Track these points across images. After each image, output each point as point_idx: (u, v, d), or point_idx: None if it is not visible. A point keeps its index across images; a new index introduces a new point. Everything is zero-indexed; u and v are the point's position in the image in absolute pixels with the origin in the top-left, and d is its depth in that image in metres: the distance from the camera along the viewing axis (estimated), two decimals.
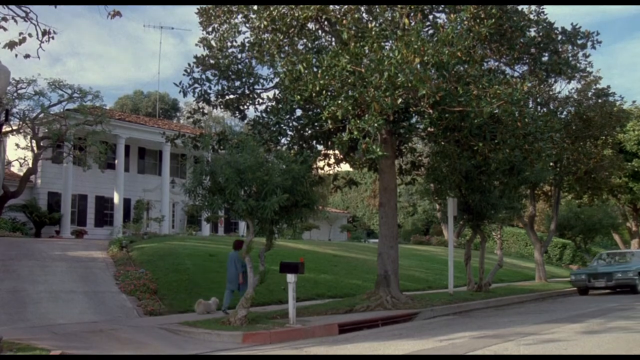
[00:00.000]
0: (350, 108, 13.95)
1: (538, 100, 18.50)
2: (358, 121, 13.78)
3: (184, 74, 17.67)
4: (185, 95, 17.84)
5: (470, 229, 23.53)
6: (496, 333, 11.36)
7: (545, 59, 17.96)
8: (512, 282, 27.96)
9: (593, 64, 39.57)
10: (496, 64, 18.09)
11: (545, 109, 20.86)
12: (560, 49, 18.24)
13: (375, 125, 13.54)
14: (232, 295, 15.86)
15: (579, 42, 18.12)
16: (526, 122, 15.06)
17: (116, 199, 35.36)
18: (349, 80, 14.14)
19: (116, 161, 35.60)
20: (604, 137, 29.48)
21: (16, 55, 16.44)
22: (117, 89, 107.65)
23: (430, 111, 15.05)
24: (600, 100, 27.15)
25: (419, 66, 13.38)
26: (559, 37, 17.82)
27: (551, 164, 23.88)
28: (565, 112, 26.31)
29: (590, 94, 27.41)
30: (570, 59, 18.76)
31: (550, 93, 23.16)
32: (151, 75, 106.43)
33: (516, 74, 18.07)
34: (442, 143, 18.70)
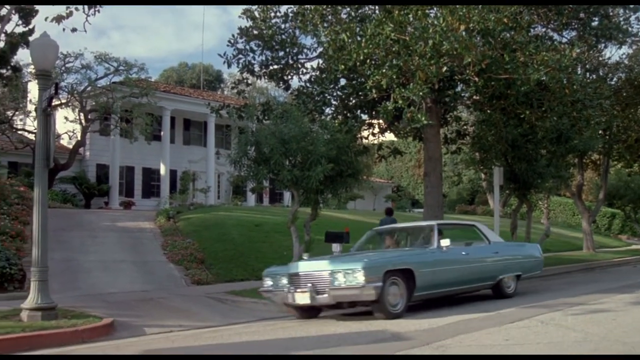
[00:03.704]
0: (394, 77, 13.82)
1: (587, 66, 18.11)
2: (403, 90, 13.66)
3: (227, 45, 17.71)
4: (229, 66, 18.00)
5: (517, 199, 23.23)
6: (543, 303, 11.26)
7: (595, 23, 17.49)
8: (559, 252, 27.60)
9: None
10: (544, 29, 17.69)
11: (594, 76, 20.43)
12: (611, 13, 17.75)
13: (420, 93, 13.42)
14: None
15: (632, 5, 17.58)
16: (574, 89, 14.74)
17: (162, 170, 35.81)
18: (394, 49, 14.00)
19: (162, 133, 35.98)
20: None
21: (64, 30, 16.72)
22: (161, 61, 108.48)
23: (476, 79, 14.83)
24: None
25: (464, 33, 13.17)
26: None
27: (600, 131, 23.32)
28: (615, 79, 25.63)
29: None
30: (622, 23, 18.23)
31: (600, 59, 22.60)
32: (195, 46, 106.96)
33: (564, 40, 17.67)
34: (488, 111, 18.45)
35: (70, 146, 32.06)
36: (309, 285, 9.93)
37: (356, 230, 16.52)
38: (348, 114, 18.44)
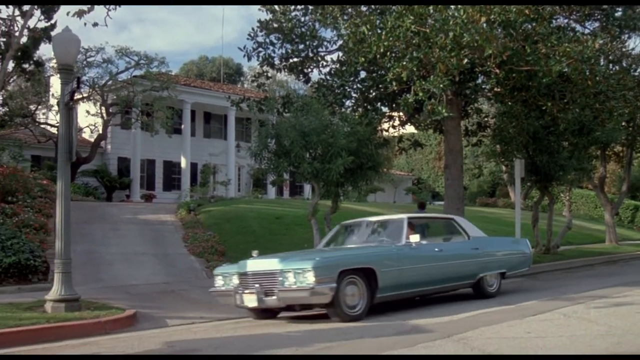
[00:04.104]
0: (415, 69, 13.78)
1: (610, 57, 17.86)
2: (423, 82, 13.62)
3: (247, 38, 17.74)
4: (249, 59, 17.92)
5: (538, 191, 23.11)
6: (565, 296, 11.21)
7: (618, 14, 17.29)
8: (581, 245, 27.38)
9: None
10: (566, 21, 17.52)
11: (617, 67, 20.14)
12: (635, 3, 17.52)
13: (441, 86, 13.37)
14: None
15: None
16: (597, 80, 14.60)
17: (183, 163, 35.98)
18: (414, 41, 13.95)
19: (182, 126, 36.13)
20: None
21: (85, 24, 16.77)
22: (182, 54, 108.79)
23: (497, 71, 14.74)
24: None
25: (485, 25, 13.09)
26: None
27: (623, 123, 23.08)
28: (639, 70, 25.35)
29: None
30: None
31: (624, 50, 22.32)
32: (215, 40, 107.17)
33: (587, 31, 17.49)
34: (509, 103, 18.34)
35: (92, 140, 32.30)
36: (257, 286, 9.14)
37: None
38: (368, 107, 18.41)
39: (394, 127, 19.92)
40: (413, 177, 52.52)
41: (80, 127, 30.43)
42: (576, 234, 29.56)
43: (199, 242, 18.69)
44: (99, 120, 31.44)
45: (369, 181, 16.14)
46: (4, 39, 21.69)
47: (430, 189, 51.51)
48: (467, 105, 19.46)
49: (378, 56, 14.60)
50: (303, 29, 17.67)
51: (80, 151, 28.08)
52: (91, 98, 30.67)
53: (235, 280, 9.61)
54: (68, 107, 10.50)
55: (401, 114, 19.09)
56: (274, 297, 9.01)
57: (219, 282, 10.02)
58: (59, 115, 12.57)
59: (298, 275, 8.82)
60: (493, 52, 12.98)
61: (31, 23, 20.55)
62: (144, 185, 35.61)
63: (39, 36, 21.80)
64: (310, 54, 18.09)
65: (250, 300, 9.23)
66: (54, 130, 30.13)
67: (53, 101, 30.71)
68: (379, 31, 14.29)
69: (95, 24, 17.54)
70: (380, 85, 17.15)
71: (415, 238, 10.16)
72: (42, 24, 21.58)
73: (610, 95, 15.58)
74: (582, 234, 31.46)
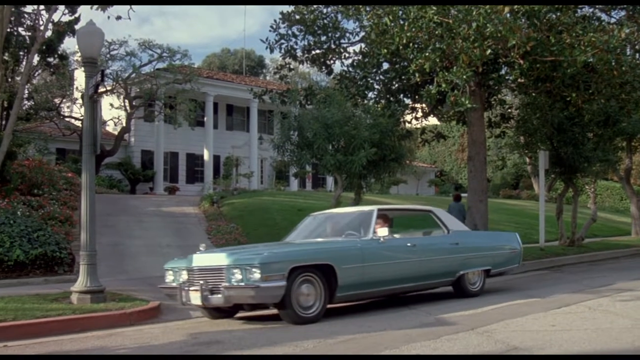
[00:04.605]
0: (438, 60, 13.70)
1: (636, 47, 17.63)
2: (446, 73, 13.54)
3: (270, 30, 17.73)
4: (272, 51, 17.95)
5: (562, 183, 22.92)
6: (590, 288, 11.12)
7: None
8: (606, 237, 27.13)
9: None
10: (591, 10, 17.30)
11: None
12: None
13: (464, 77, 13.27)
14: None
15: None
16: (623, 70, 14.39)
17: (206, 155, 36.16)
18: (437, 32, 13.86)
19: (205, 118, 36.29)
20: None
21: (108, 17, 16.94)
22: (204, 47, 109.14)
23: (521, 62, 14.60)
24: None
25: (508, 15, 12.96)
26: None
27: None
28: None
29: None
30: None
31: None
32: (237, 32, 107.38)
33: (613, 20, 17.25)
34: (533, 94, 18.19)
35: (116, 132, 32.56)
36: (202, 282, 8.34)
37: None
38: (391, 98, 18.34)
39: (416, 118, 19.84)
40: (436, 169, 52.32)
41: (104, 120, 30.67)
42: (601, 227, 29.30)
43: (222, 234, 18.79)
44: (123, 113, 31.68)
45: (392, 173, 16.12)
46: (29, 33, 21.89)
47: (453, 181, 51.28)
48: (491, 96, 19.32)
49: (401, 47, 14.53)
50: (325, 21, 17.63)
51: (104, 144, 28.32)
52: (115, 91, 30.91)
53: (185, 276, 8.76)
54: (92, 100, 10.57)
55: (424, 105, 19.00)
56: (219, 296, 8.22)
57: (169, 277, 9.08)
58: (83, 108, 12.69)
59: (245, 271, 8.02)
60: (517, 42, 12.85)
61: (55, 17, 20.69)
62: (167, 178, 35.86)
63: (64, 30, 21.97)
64: (333, 46, 18.05)
65: (196, 298, 8.44)
66: (78, 123, 30.40)
67: (77, 94, 30.96)
68: (402, 22, 14.21)
69: (118, 17, 17.67)
70: (403, 77, 17.08)
71: (383, 232, 9.40)
72: (66, 18, 21.73)
73: (637, 86, 15.36)
74: (608, 227, 31.17)
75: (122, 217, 20.51)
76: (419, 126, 20.65)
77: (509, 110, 21.59)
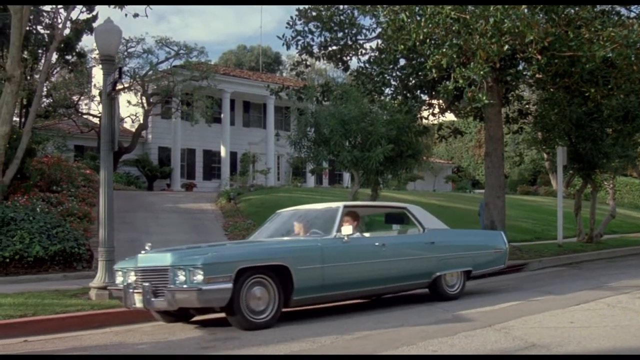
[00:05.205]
0: (455, 56, 13.64)
1: None
2: (463, 69, 13.47)
3: (286, 27, 17.73)
4: (288, 47, 17.91)
5: (581, 179, 22.77)
6: (609, 285, 11.05)
7: None
8: (625, 234, 26.93)
9: None
10: (610, 4, 17.15)
11: None
12: None
13: (481, 73, 13.20)
14: None
15: None
16: None
17: (223, 152, 36.27)
18: (454, 28, 13.79)
19: (222, 115, 36.41)
20: None
21: (126, 15, 17.05)
22: (220, 44, 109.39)
23: (539, 57, 14.49)
24: None
25: (526, 10, 12.88)
26: None
27: None
28: None
29: None
30: None
31: None
32: (253, 29, 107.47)
33: (633, 15, 17.09)
34: (551, 90, 18.06)
35: (133, 129, 32.75)
36: (146, 284, 7.73)
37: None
38: (408, 94, 18.29)
39: (433, 114, 19.75)
40: (453, 165, 52.17)
41: (122, 117, 30.84)
42: (620, 223, 29.09)
43: (239, 230, 18.84)
44: (140, 110, 31.84)
45: (409, 169, 16.09)
46: (48, 32, 22.09)
47: (470, 177, 51.13)
48: (508, 92, 19.21)
49: (417, 43, 14.47)
50: (342, 17, 17.59)
51: (122, 141, 28.41)
52: (132, 88, 31.10)
53: (132, 277, 8.13)
54: (110, 98, 10.64)
55: (441, 101, 18.93)
56: (162, 299, 7.64)
57: (119, 278, 8.45)
58: (101, 105, 12.78)
59: (189, 273, 7.41)
60: (535, 38, 12.76)
61: (73, 15, 20.86)
62: (185, 175, 36.02)
63: (81, 28, 22.15)
64: (349, 42, 18.00)
65: (139, 301, 7.84)
66: (96, 120, 30.60)
67: (95, 92, 31.18)
68: (418, 18, 14.15)
69: (135, 15, 17.78)
70: (420, 73, 17.01)
71: (347, 230, 8.67)
72: (84, 16, 21.91)
73: None
74: (627, 223, 30.95)
75: (139, 213, 20.62)
76: (435, 122, 20.58)
77: (527, 106, 21.46)
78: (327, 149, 14.30)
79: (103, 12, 32.41)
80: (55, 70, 27.88)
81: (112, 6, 15.39)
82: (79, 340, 7.67)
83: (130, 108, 31.72)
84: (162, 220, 20.17)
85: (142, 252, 8.43)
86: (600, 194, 30.70)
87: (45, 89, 28.15)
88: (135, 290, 7.87)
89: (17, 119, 23.43)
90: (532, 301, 9.44)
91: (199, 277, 7.35)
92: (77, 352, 7.03)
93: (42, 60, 21.73)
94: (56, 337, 7.81)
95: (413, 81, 18.08)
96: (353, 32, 17.70)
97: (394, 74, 17.96)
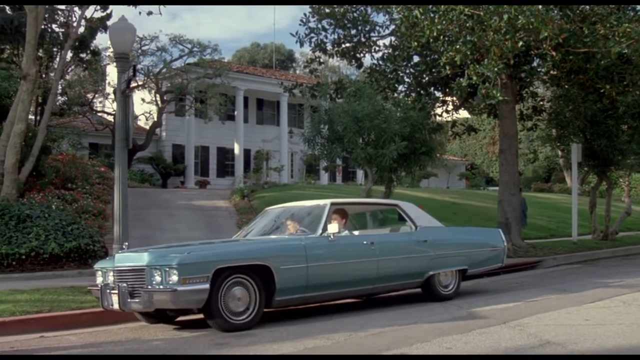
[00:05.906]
0: (468, 53, 13.60)
1: None
2: (477, 66, 13.44)
3: (299, 24, 17.75)
4: (301, 45, 17.94)
5: (596, 176, 22.64)
6: (624, 282, 10.98)
7: None
8: None
9: None
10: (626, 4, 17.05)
11: None
12: None
13: (495, 69, 13.17)
14: None
15: None
16: None
17: (236, 149, 36.35)
18: (467, 25, 13.75)
19: (235, 112, 36.48)
20: None
21: (140, 13, 17.13)
22: (234, 41, 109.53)
23: (553, 53, 14.43)
24: None
25: (540, 7, 12.83)
26: None
27: None
28: None
29: None
30: None
31: None
32: (267, 26, 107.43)
33: None
34: (566, 86, 17.98)
35: (147, 127, 32.88)
36: (123, 285, 7.50)
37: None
38: (421, 91, 18.27)
39: (447, 111, 19.73)
40: (467, 162, 52.00)
41: (136, 114, 30.94)
42: (636, 220, 28.87)
43: None
44: (154, 108, 31.95)
45: (423, 166, 16.08)
46: (63, 30, 22.23)
47: (484, 174, 50.94)
48: (522, 89, 19.13)
49: (431, 40, 14.45)
50: (355, 14, 17.59)
51: (136, 138, 28.58)
52: (146, 86, 31.19)
53: (111, 277, 7.93)
54: (124, 95, 10.68)
55: (455, 98, 18.90)
56: (138, 300, 7.42)
57: (98, 278, 8.24)
58: (115, 103, 12.83)
59: (165, 273, 7.21)
60: (549, 34, 12.71)
61: (88, 13, 20.98)
62: (198, 172, 36.14)
63: (96, 26, 22.28)
64: (363, 39, 18.01)
65: (116, 302, 7.62)
66: (110, 118, 30.74)
67: (109, 89, 31.30)
68: (432, 15, 14.12)
69: (149, 13, 17.85)
70: (434, 70, 16.99)
71: (334, 228, 8.36)
72: (99, 14, 22.02)
73: None
74: None
75: (153, 210, 20.70)
76: (449, 119, 20.54)
77: (541, 103, 21.37)
78: (340, 146, 14.31)
79: (117, 10, 32.43)
80: (70, 69, 28.06)
81: (126, 5, 15.45)
82: (94, 336, 7.72)
83: (144, 106, 31.84)
84: (175, 217, 20.25)
85: (120, 251, 8.26)
86: (616, 191, 30.48)
87: (60, 87, 28.34)
88: (112, 291, 7.66)
89: (33, 117, 23.63)
90: (547, 298, 9.39)
91: (174, 277, 7.15)
92: (93, 347, 7.07)
93: (57, 59, 21.90)
94: (72, 333, 7.86)
95: (427, 78, 18.06)
96: (366, 29, 17.71)
97: (408, 71, 17.94)
